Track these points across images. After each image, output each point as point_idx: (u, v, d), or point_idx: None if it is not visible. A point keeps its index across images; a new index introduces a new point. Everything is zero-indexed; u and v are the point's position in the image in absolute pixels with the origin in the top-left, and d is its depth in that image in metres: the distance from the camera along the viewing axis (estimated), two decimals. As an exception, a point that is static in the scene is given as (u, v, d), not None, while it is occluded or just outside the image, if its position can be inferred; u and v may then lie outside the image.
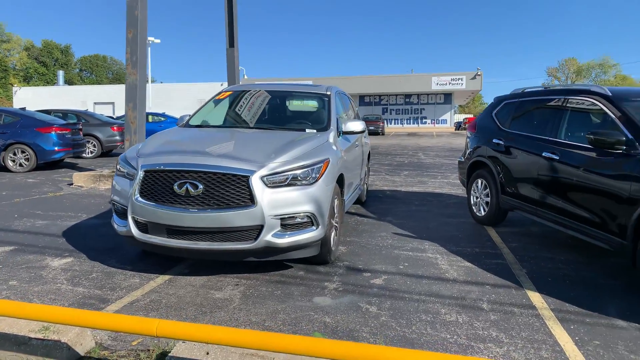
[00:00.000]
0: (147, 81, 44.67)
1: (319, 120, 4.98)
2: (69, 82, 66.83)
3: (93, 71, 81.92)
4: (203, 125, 5.04)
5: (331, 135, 4.66)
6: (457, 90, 38.64)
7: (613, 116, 4.08)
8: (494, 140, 5.68)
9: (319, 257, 4.09)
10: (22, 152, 10.31)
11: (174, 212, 3.57)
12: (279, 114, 5.36)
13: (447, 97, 40.79)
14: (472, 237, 5.34)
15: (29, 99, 45.63)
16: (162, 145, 4.13)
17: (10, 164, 10.31)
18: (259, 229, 3.57)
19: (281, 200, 3.61)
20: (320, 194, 3.81)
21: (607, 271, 4.24)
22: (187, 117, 5.23)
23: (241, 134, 4.61)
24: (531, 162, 4.90)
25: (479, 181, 6.04)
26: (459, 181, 7.24)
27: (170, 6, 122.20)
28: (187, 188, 3.54)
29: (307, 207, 3.70)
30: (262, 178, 3.58)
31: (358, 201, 7.00)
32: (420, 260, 4.47)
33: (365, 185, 7.16)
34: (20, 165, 10.34)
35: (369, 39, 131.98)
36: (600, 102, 4.29)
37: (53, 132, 10.51)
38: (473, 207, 6.18)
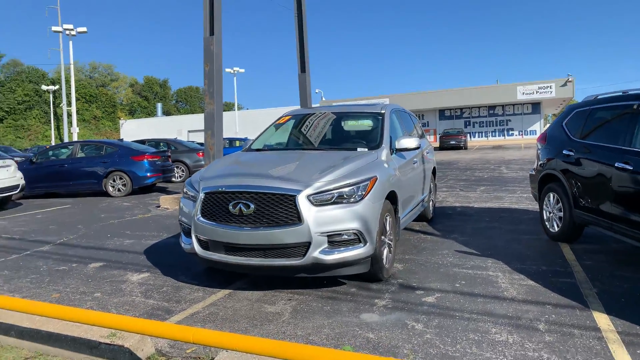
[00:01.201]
0: (234, 108, 47.64)
1: (372, 139, 5.07)
2: (166, 113, 73.06)
3: (188, 102, 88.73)
4: (262, 149, 5.36)
5: (383, 153, 4.72)
6: (546, 99, 36.28)
7: (692, 120, 3.71)
8: (564, 152, 5.36)
9: (371, 274, 4.13)
10: (120, 178, 11.52)
11: (230, 231, 3.85)
12: (334, 135, 5.53)
13: (535, 106, 38.43)
14: (541, 255, 5.04)
15: (133, 130, 50.64)
16: (222, 168, 4.47)
17: (110, 189, 11.55)
18: (307, 246, 3.72)
19: (327, 218, 3.74)
20: (367, 211, 3.88)
21: (695, 292, 3.80)
22: (250, 142, 5.59)
23: (293, 156, 4.84)
24: (604, 174, 4.56)
25: (551, 195, 5.70)
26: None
27: (252, 36, 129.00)
28: (240, 208, 3.80)
29: (354, 225, 3.79)
30: (308, 197, 3.74)
31: (424, 218, 6.90)
32: (479, 278, 4.33)
33: (431, 202, 7.04)
34: (119, 190, 11.55)
35: (451, 51, 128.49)
36: (677, 105, 3.92)
37: (145, 160, 11.63)
38: (546, 223, 5.83)
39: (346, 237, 3.81)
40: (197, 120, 49.11)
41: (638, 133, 4.30)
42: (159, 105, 65.14)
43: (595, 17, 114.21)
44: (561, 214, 5.43)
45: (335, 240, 3.79)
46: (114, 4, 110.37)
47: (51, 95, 51.93)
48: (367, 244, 3.87)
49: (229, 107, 68.68)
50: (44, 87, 49.67)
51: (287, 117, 5.88)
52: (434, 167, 7.33)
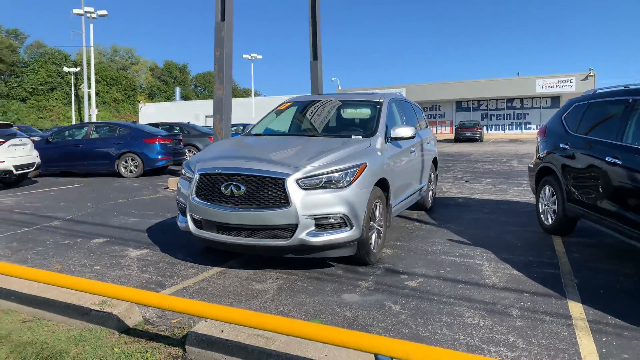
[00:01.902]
0: (252, 95, 47.85)
1: (368, 127, 5.16)
2: (185, 97, 73.68)
3: (206, 87, 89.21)
4: (261, 134, 5.49)
5: (378, 141, 4.82)
6: (566, 93, 35.50)
7: (680, 116, 3.72)
8: (560, 145, 5.39)
9: (358, 257, 4.27)
10: (132, 160, 11.81)
11: (222, 211, 4.01)
12: (332, 122, 5.63)
13: (555, 100, 37.69)
14: (532, 246, 5.11)
15: (152, 113, 51.22)
16: (218, 151, 4.63)
17: (122, 170, 11.85)
18: (294, 227, 3.86)
19: (314, 201, 3.87)
20: (354, 197, 4.00)
21: (675, 287, 3.84)
22: (251, 127, 5.73)
23: (287, 141, 4.96)
24: (595, 168, 4.59)
25: (547, 188, 5.73)
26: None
27: (271, 23, 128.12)
28: (231, 189, 3.96)
29: (340, 209, 3.91)
30: (297, 181, 3.87)
31: (422, 207, 6.98)
32: (465, 266, 4.42)
33: (430, 192, 7.11)
34: (130, 171, 11.84)
35: (470, 42, 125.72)
36: (668, 101, 3.93)
37: (157, 142, 11.89)
38: (541, 216, 5.87)
39: (333, 220, 3.94)
40: (214, 106, 49.37)
41: (630, 128, 4.32)
42: (178, 89, 65.78)
43: (624, 12, 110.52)
44: (555, 207, 5.46)
45: (322, 223, 3.92)
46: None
47: (72, 77, 52.82)
48: (354, 228, 4.00)
49: (247, 93, 68.89)
50: (65, 69, 50.54)
51: (288, 104, 6.00)
52: (435, 158, 7.38)
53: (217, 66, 9.57)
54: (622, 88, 4.92)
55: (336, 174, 4.01)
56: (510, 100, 39.33)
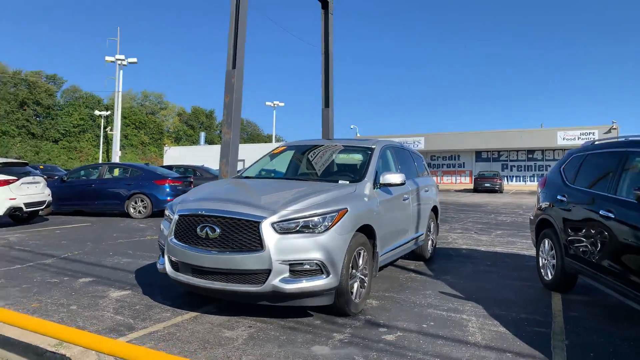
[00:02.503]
0: (272, 140, 48.73)
1: (357, 172, 5.11)
2: (209, 142, 75.46)
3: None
4: (252, 177, 5.50)
5: (365, 187, 4.75)
6: (589, 146, 35.06)
7: (672, 169, 3.56)
8: (558, 197, 5.21)
9: (336, 307, 4.10)
10: (142, 200, 11.97)
11: (197, 253, 3.95)
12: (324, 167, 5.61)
13: (578, 153, 37.17)
14: (527, 303, 4.84)
15: (176, 156, 52.38)
16: (202, 193, 4.62)
17: (131, 210, 12.00)
18: (267, 273, 3.75)
19: (290, 246, 3.78)
20: (332, 243, 3.89)
21: (676, 353, 3.53)
22: (243, 170, 5.76)
23: (272, 184, 4.94)
24: (590, 221, 4.40)
25: (546, 241, 5.51)
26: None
27: (291, 70, 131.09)
28: (206, 231, 3.91)
29: (316, 255, 3.80)
30: (272, 224, 3.80)
31: (420, 257, 6.78)
32: (450, 321, 4.20)
33: (430, 242, 6.91)
34: (139, 212, 11.98)
35: (493, 93, 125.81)
36: (660, 153, 3.78)
37: (167, 184, 12.07)
38: (541, 270, 5.61)
39: (308, 266, 3.82)
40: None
41: (624, 181, 4.15)
42: (202, 134, 67.72)
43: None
44: (555, 261, 5.22)
45: (296, 270, 3.81)
46: (169, 39, 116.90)
47: (103, 120, 54.99)
48: (330, 275, 3.87)
49: (270, 139, 70.34)
50: (97, 112, 52.72)
51: (282, 148, 6.04)
52: (436, 206, 7.22)
53: (226, 112, 9.82)
54: (621, 139, 4.79)
55: (314, 219, 3.93)
56: (531, 151, 38.91)
